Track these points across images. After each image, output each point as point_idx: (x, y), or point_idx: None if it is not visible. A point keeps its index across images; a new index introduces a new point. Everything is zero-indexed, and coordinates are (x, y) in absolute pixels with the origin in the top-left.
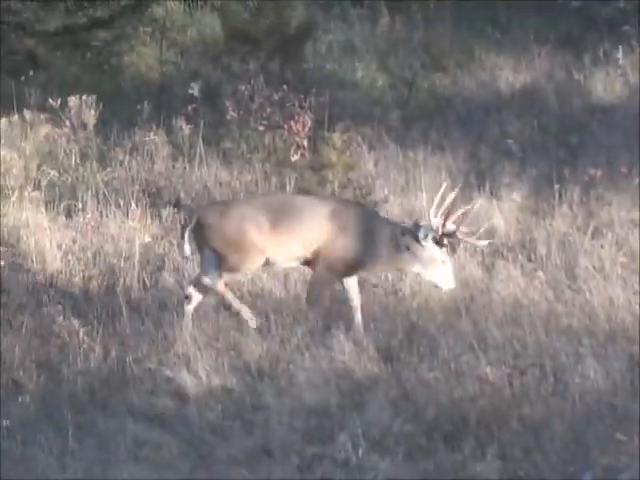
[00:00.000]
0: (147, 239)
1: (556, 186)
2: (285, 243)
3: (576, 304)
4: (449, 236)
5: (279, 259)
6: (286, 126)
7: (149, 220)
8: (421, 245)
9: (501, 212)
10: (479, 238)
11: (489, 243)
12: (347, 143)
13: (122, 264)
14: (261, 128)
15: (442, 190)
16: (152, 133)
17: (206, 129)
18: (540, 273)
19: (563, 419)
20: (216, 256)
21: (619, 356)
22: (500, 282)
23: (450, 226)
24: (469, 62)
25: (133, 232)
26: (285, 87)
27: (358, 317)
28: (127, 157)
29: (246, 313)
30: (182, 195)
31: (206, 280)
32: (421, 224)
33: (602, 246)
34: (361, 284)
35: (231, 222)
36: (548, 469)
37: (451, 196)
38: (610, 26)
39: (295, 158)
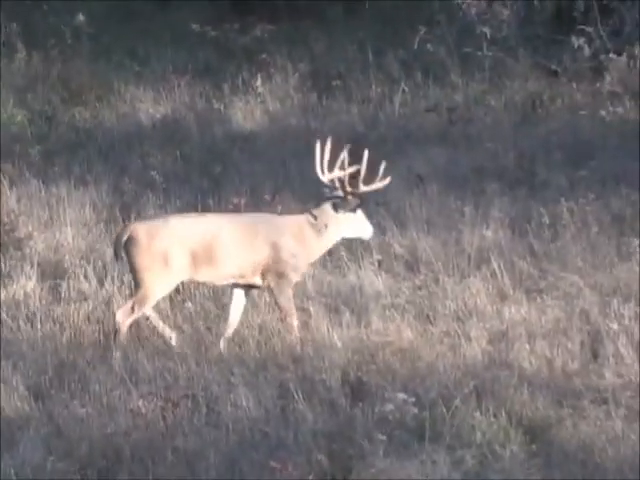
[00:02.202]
0: None
1: None
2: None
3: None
4: (353, 194)
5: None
6: None
7: None
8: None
9: None
10: (380, 180)
11: None
12: None
13: None
14: None
15: (318, 148)
16: None
17: None
18: (189, 304)
19: (217, 449)
20: None
21: (270, 384)
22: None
23: (350, 181)
24: (109, 95)
25: None
26: None
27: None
28: None
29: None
30: None
31: (117, 315)
32: (327, 196)
33: None
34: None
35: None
36: None
37: (326, 152)
38: (248, 55)
39: None
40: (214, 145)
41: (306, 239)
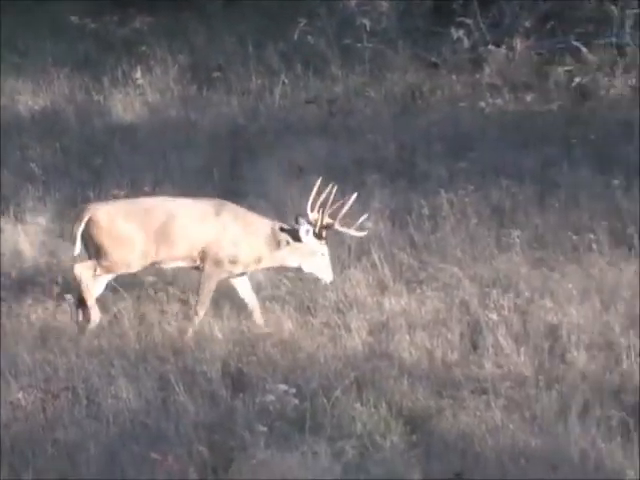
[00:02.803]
0: None
1: None
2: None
3: (105, 325)
4: (327, 228)
5: (164, 260)
6: None
7: None
8: (301, 240)
9: (27, 236)
10: (357, 229)
11: None
12: None
13: None
14: None
15: (317, 186)
16: None
17: None
18: (68, 295)
19: (98, 441)
20: None
21: (151, 375)
22: (29, 306)
23: (328, 220)
24: None
25: None
26: None
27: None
28: None
29: (94, 312)
30: None
31: (76, 269)
32: (300, 219)
33: None
34: None
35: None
36: None
37: (327, 191)
38: (127, 47)
39: None
40: (94, 137)
41: (257, 238)
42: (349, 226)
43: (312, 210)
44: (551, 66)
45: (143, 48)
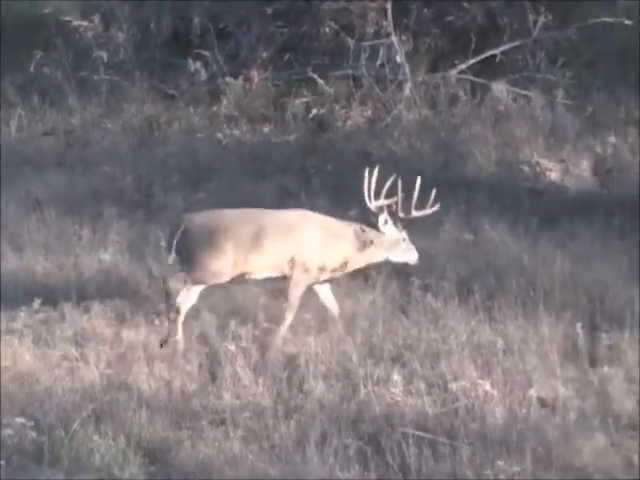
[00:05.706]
0: None
1: None
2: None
3: None
4: (405, 216)
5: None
6: None
7: None
8: (382, 233)
9: None
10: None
11: None
12: None
13: None
14: None
15: (366, 177)
16: None
17: None
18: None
19: None
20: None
21: None
22: None
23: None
24: None
25: None
26: None
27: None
28: None
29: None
30: None
31: (170, 281)
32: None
33: None
34: None
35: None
36: None
37: (373, 180)
38: None
39: None
40: None
41: (343, 243)
42: (422, 208)
43: (370, 200)
44: (288, 97)
45: None
